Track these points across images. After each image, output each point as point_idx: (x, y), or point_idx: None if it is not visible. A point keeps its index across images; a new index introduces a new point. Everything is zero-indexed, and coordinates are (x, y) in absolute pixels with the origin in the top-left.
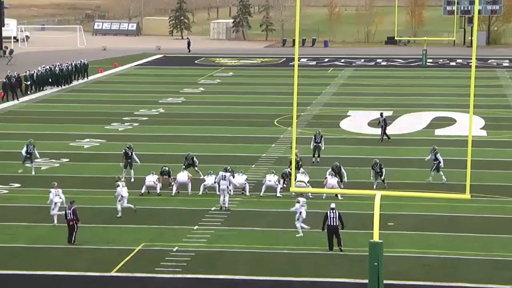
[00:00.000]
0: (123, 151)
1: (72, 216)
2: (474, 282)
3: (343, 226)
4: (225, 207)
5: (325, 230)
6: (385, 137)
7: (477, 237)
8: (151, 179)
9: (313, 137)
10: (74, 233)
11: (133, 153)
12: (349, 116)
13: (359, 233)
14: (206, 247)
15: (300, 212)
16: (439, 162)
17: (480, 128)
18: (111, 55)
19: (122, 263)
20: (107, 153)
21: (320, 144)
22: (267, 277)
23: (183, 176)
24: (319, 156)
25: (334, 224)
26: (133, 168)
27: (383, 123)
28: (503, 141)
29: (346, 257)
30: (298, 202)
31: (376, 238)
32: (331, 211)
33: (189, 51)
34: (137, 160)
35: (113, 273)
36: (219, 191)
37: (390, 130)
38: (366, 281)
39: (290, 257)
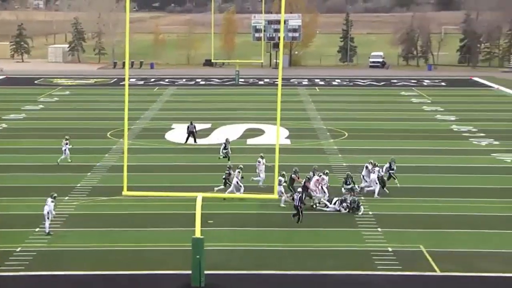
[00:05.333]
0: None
1: None
2: (282, 270)
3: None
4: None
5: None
6: (194, 142)
7: (282, 231)
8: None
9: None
10: None
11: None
12: (173, 128)
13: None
14: (47, 247)
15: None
16: None
17: (285, 138)
18: None
19: None
20: None
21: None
22: (109, 272)
23: None
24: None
25: (297, 204)
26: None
27: (193, 129)
28: (305, 148)
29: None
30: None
31: (198, 234)
32: (296, 194)
33: None
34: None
35: None
36: None
37: (209, 140)
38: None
39: (128, 253)
